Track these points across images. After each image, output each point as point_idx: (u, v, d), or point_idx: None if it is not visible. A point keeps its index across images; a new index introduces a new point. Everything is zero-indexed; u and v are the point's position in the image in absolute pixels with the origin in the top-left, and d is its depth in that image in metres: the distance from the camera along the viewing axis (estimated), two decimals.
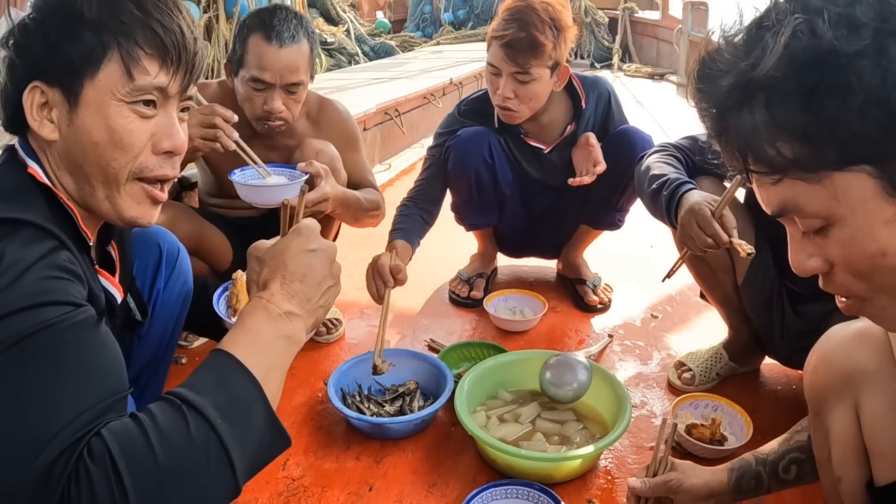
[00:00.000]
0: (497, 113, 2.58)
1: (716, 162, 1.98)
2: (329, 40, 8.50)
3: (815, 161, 0.83)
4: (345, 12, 9.45)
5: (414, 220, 2.53)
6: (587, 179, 2.49)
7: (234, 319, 1.49)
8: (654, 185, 1.99)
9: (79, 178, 1.17)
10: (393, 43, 10.11)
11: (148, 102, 1.16)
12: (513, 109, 2.48)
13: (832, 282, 0.94)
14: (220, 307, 1.61)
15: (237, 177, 2.09)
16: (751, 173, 0.90)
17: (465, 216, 2.79)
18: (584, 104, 2.61)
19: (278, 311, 1.08)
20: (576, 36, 2.52)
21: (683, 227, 1.84)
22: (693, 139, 2.15)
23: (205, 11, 7.02)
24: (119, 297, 1.22)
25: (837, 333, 1.31)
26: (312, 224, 1.18)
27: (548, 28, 2.39)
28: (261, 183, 2.09)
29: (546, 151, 2.66)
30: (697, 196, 1.84)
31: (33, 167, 1.15)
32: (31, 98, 1.13)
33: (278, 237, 1.18)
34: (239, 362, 0.99)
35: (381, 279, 2.17)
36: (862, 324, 1.27)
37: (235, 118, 2.03)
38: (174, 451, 0.88)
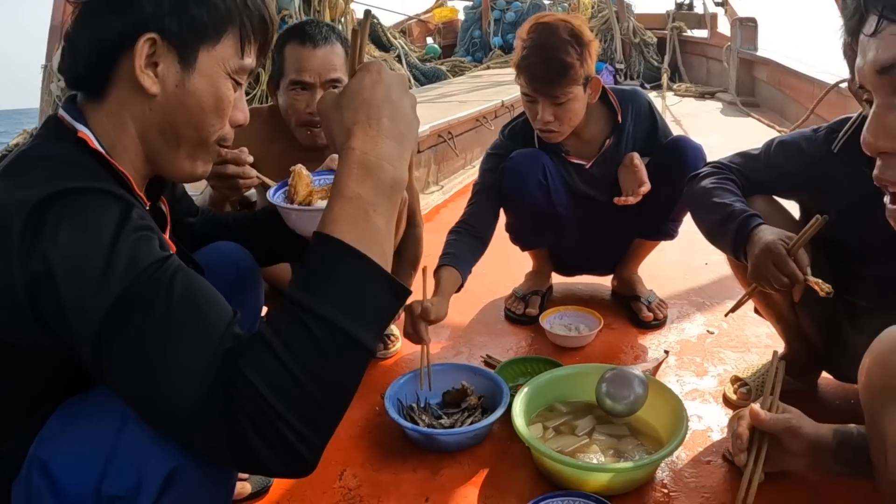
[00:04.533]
0: (538, 135, 2.62)
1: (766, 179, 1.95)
2: None
3: None
4: (395, 38, 9.61)
5: (464, 245, 2.52)
6: (632, 200, 2.50)
7: (293, 205, 1.52)
8: (716, 216, 1.97)
9: (169, 138, 1.20)
10: (444, 68, 10.23)
11: (238, 81, 1.24)
12: (555, 131, 2.52)
13: (892, 167, 0.96)
14: (276, 199, 1.58)
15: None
16: (884, 20, 0.91)
17: (521, 238, 2.81)
18: (619, 118, 2.64)
19: (376, 160, 1.03)
20: (598, 48, 2.54)
21: (758, 266, 1.82)
22: (745, 155, 2.13)
23: None
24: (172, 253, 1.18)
25: (892, 334, 1.28)
26: (378, 61, 1.13)
27: (570, 47, 2.41)
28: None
29: (587, 167, 2.68)
30: (770, 234, 1.82)
31: (84, 131, 1.15)
32: (142, 50, 1.13)
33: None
34: (343, 244, 0.98)
35: (416, 335, 2.15)
36: None
37: (245, 157, 1.94)
38: (309, 363, 0.94)
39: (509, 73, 8.86)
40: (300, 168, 1.59)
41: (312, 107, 2.23)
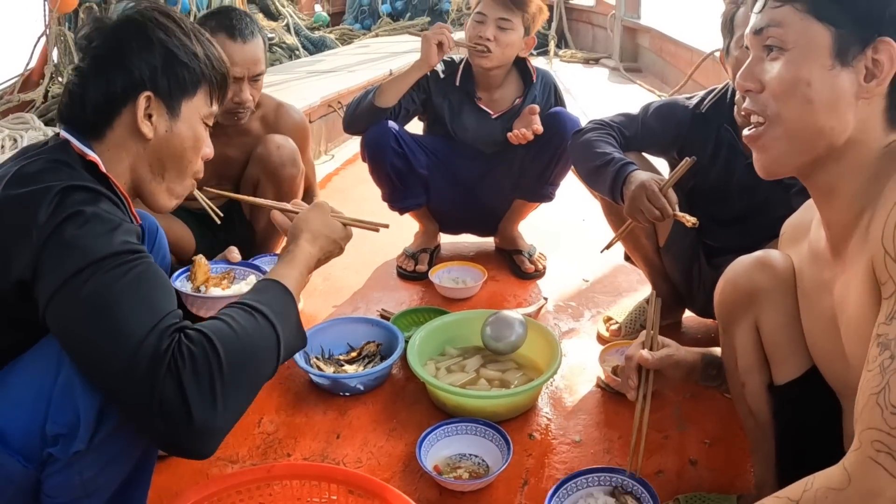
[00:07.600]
0: (469, 56, 2.89)
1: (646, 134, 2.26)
2: (269, 35, 8.64)
3: (812, 4, 1.18)
4: (283, 7, 9.55)
5: None
6: (528, 134, 2.74)
7: (191, 291, 1.80)
8: (597, 162, 2.22)
9: (156, 170, 1.50)
10: (332, 36, 10.22)
11: (207, 124, 1.55)
12: (489, 50, 2.78)
13: (756, 101, 1.25)
14: (177, 284, 1.81)
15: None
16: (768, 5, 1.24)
17: (395, 201, 3.04)
18: (534, 78, 2.95)
19: (310, 252, 1.59)
20: (545, 19, 2.96)
21: (633, 200, 2.05)
22: (625, 115, 2.40)
23: None
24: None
25: (741, 261, 1.57)
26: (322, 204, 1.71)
27: None
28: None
29: (494, 117, 2.94)
30: (644, 175, 2.08)
31: (94, 157, 1.39)
32: (142, 104, 1.41)
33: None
34: (285, 287, 1.45)
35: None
36: (762, 253, 1.54)
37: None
38: (250, 334, 1.29)
39: (398, 41, 8.88)
40: (200, 258, 1.88)
41: (240, 96, 2.44)
